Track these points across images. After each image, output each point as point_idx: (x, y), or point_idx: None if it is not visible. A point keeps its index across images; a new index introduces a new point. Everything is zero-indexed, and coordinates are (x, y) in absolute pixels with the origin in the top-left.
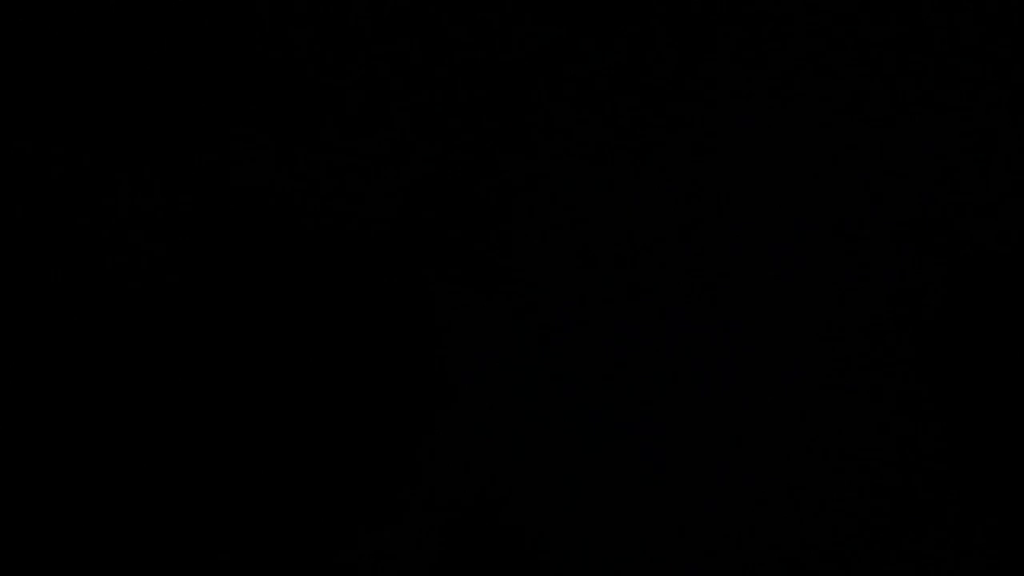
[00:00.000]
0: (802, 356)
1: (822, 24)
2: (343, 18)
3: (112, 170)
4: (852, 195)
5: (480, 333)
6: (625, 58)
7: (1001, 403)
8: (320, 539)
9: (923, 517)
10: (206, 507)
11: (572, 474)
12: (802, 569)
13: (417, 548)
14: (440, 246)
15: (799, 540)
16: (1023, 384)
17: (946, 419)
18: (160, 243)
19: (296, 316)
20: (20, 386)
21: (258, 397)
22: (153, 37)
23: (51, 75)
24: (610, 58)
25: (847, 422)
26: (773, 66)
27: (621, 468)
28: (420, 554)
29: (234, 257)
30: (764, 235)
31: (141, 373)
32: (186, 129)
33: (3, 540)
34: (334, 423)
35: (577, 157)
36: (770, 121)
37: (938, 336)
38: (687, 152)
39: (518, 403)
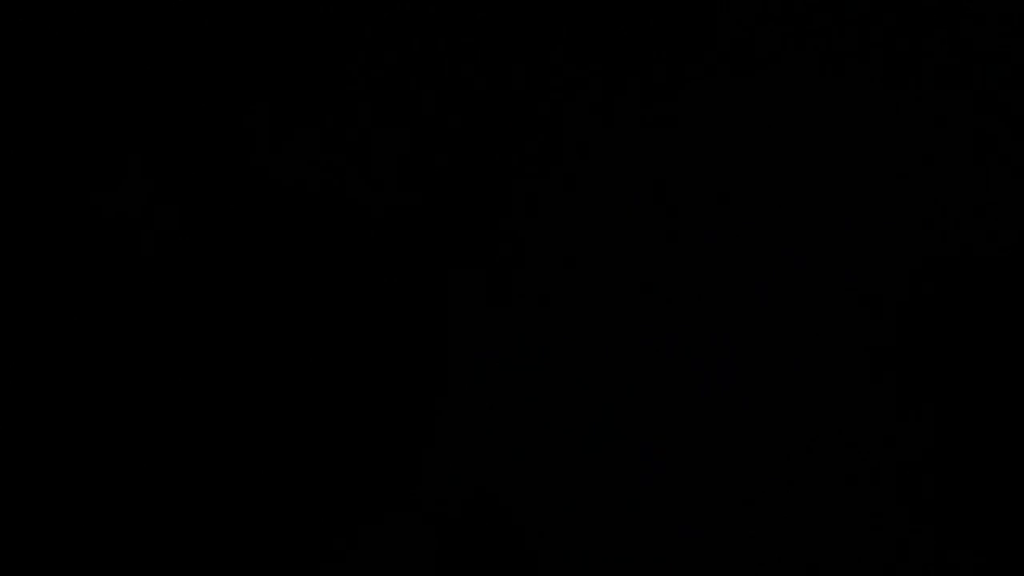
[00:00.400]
0: (801, 357)
1: (814, 26)
2: (371, 11)
3: (126, 155)
4: (848, 198)
5: (482, 330)
6: (634, 62)
7: (999, 405)
8: (319, 532)
9: (922, 517)
10: (205, 502)
11: (571, 471)
12: (801, 568)
13: (416, 541)
14: (447, 245)
15: (797, 539)
16: (1018, 384)
17: (944, 418)
18: (176, 229)
19: (302, 308)
20: (26, 382)
21: (261, 389)
22: (175, 25)
23: (69, 64)
24: (618, 62)
25: (846, 423)
26: (773, 69)
27: (620, 466)
28: (419, 547)
29: (243, 243)
30: (762, 239)
31: (148, 357)
32: (208, 116)
33: (3, 540)
34: (336, 416)
35: (580, 158)
36: (769, 123)
37: (936, 337)
38: (686, 156)
39: (518, 400)
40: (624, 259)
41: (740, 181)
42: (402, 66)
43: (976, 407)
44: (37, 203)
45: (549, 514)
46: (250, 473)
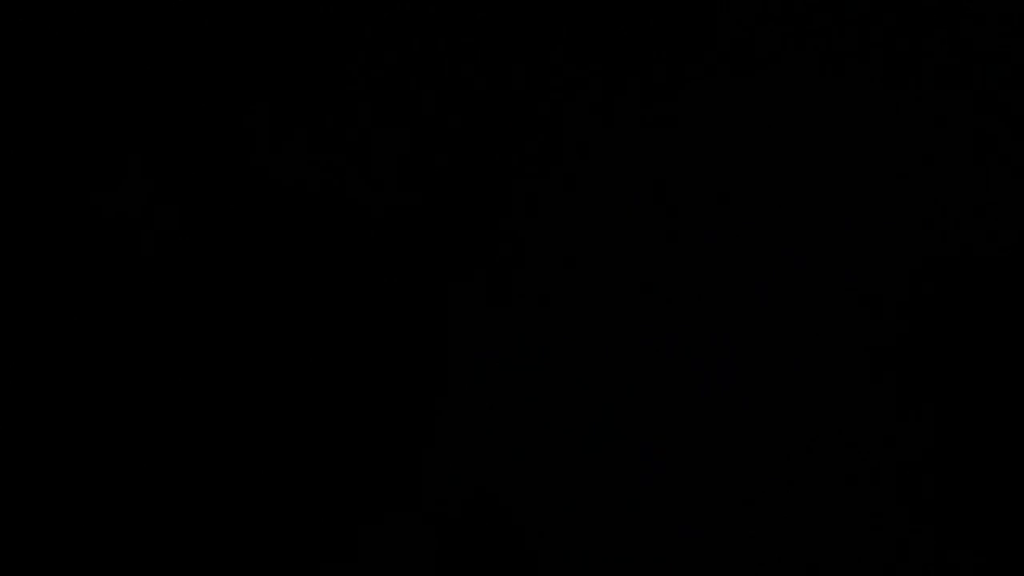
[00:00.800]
0: (801, 357)
1: (814, 26)
2: (371, 11)
3: (126, 155)
4: (848, 198)
5: (482, 330)
6: (634, 62)
7: (999, 405)
8: (320, 532)
9: (922, 517)
10: (205, 502)
11: (571, 471)
12: (801, 568)
13: (416, 541)
14: (447, 244)
15: (797, 539)
16: (1018, 384)
17: (944, 418)
18: (176, 229)
19: (302, 308)
20: (27, 381)
21: (261, 389)
22: (175, 25)
23: (69, 64)
24: (618, 62)
25: (846, 423)
26: (773, 69)
27: (619, 466)
28: (419, 547)
29: (244, 243)
30: (762, 239)
31: (148, 357)
32: (208, 116)
33: (3, 540)
34: (336, 416)
35: (580, 158)
36: (769, 123)
37: (936, 337)
38: (686, 156)
39: (518, 400)
40: (624, 259)
41: (740, 181)
42: (402, 66)
43: (976, 407)
44: (37, 203)
45: (549, 514)
46: (251, 473)
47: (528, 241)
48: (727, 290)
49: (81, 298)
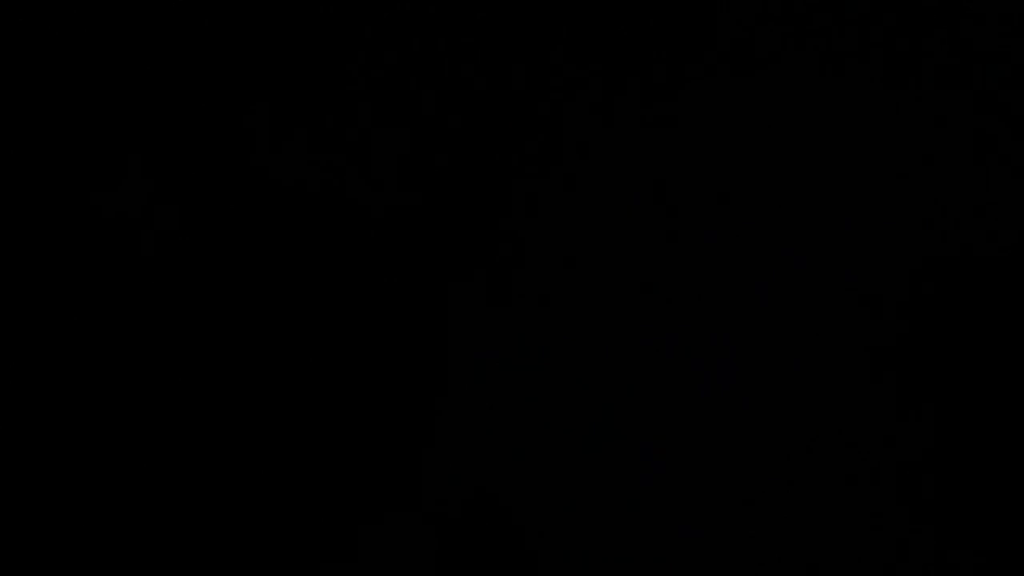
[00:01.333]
0: (801, 357)
1: (814, 26)
2: (371, 11)
3: (126, 155)
4: (848, 198)
5: (482, 330)
6: (634, 62)
7: (999, 405)
8: (320, 532)
9: (922, 517)
10: (205, 502)
11: (571, 471)
12: (801, 568)
13: (416, 541)
14: (447, 244)
15: (797, 539)
16: (1018, 384)
17: (944, 418)
18: (176, 229)
19: (302, 308)
20: (27, 381)
21: (261, 389)
22: (175, 25)
23: (69, 64)
24: (618, 62)
25: (846, 423)
26: (773, 69)
27: (619, 466)
28: (419, 547)
29: (243, 243)
30: (762, 239)
31: (148, 357)
32: (208, 116)
33: (3, 540)
34: (336, 417)
35: (580, 158)
36: (769, 123)
37: (936, 337)
38: (686, 156)
39: (518, 399)
40: (624, 259)
41: (740, 181)
42: (402, 66)
43: (976, 407)
44: (37, 203)
45: (549, 514)
46: (250, 473)
47: (528, 241)
48: (727, 290)
49: (81, 298)
